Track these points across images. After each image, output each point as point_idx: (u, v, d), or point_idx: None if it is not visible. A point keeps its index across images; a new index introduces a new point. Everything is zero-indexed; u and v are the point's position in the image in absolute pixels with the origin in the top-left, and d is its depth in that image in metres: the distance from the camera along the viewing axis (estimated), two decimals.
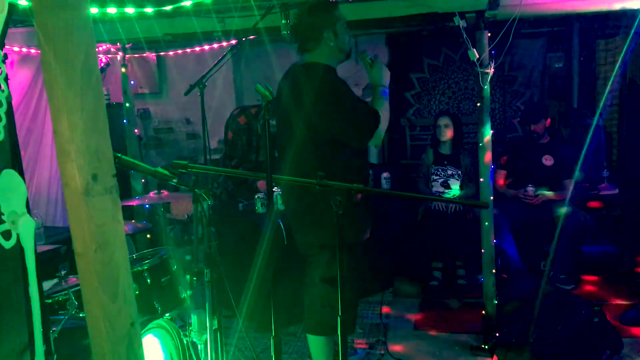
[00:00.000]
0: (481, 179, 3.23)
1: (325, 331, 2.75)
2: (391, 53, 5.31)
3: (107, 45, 4.31)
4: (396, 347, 3.39)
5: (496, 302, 3.27)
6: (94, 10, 3.01)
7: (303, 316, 2.91)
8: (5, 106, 1.13)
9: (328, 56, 2.65)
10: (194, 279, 3.02)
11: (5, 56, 1.19)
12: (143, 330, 2.37)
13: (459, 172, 4.45)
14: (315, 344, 2.79)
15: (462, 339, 3.43)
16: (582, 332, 2.95)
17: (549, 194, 4.23)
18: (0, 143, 1.13)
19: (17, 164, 1.17)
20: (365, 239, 2.77)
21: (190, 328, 2.48)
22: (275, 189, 2.32)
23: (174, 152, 5.64)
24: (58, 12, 1.05)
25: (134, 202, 3.54)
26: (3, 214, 1.10)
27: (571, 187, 4.26)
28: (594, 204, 4.55)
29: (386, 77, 2.75)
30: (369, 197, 2.73)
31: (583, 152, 3.82)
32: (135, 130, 4.59)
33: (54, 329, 2.14)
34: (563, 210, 4.16)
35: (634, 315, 3.48)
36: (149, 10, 3.14)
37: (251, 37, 3.57)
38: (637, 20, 3.00)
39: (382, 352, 3.34)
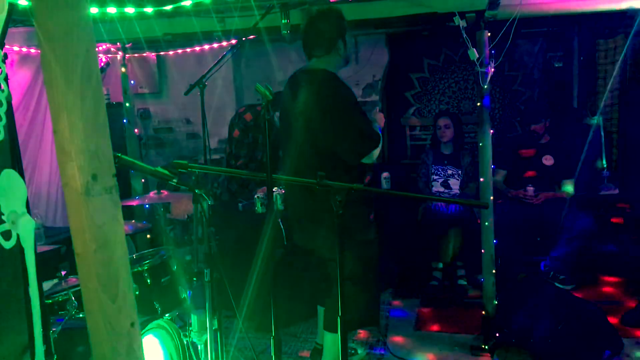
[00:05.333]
0: (481, 179, 3.23)
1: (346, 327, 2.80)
2: (391, 53, 5.31)
3: (107, 45, 4.31)
4: (396, 347, 3.39)
5: (496, 302, 3.27)
6: (94, 10, 3.01)
7: (304, 314, 2.94)
8: (5, 106, 1.13)
9: (333, 63, 2.73)
10: (194, 279, 3.02)
11: (5, 56, 1.19)
12: (143, 330, 2.37)
13: (459, 172, 4.45)
14: (332, 341, 2.81)
15: (462, 339, 3.43)
16: (582, 332, 2.95)
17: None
18: (0, 143, 1.13)
19: (17, 164, 1.17)
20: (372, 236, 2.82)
21: (190, 328, 2.48)
22: (275, 189, 2.32)
23: (174, 152, 5.64)
24: (58, 12, 1.05)
25: (134, 202, 3.54)
26: (3, 214, 1.10)
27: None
28: (593, 204, 4.54)
29: (382, 123, 2.93)
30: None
31: (583, 151, 3.83)
32: (135, 130, 4.59)
33: (54, 329, 2.14)
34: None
35: (635, 316, 3.48)
36: (148, 10, 3.15)
37: (251, 36, 3.57)
38: (637, 20, 3.00)
39: (382, 352, 3.34)
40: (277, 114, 3.71)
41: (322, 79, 2.67)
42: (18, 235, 1.13)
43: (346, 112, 2.61)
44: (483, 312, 3.29)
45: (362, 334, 3.58)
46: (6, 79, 1.14)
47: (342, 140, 2.61)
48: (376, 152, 2.70)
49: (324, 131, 2.61)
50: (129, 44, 4.26)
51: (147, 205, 4.51)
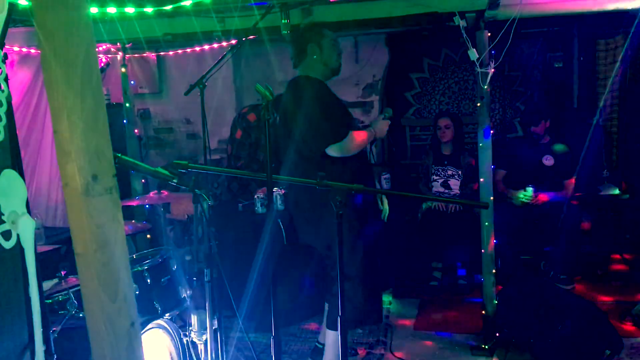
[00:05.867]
0: (481, 179, 3.23)
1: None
2: (391, 53, 5.31)
3: (107, 45, 4.31)
4: (396, 347, 3.39)
5: (496, 302, 3.27)
6: (94, 10, 3.01)
7: (304, 314, 2.94)
8: (5, 106, 1.13)
9: (314, 69, 2.84)
10: (194, 279, 3.02)
11: (5, 56, 1.19)
12: (143, 330, 2.37)
13: (459, 172, 4.45)
14: (333, 339, 2.82)
15: (462, 339, 3.43)
16: (582, 332, 2.95)
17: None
18: (0, 143, 1.13)
19: (17, 164, 1.17)
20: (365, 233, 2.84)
21: (190, 328, 2.48)
22: (275, 189, 2.32)
23: (174, 152, 5.64)
24: (58, 12, 1.05)
25: (134, 202, 3.54)
26: (3, 214, 1.10)
27: (572, 187, 4.26)
28: (593, 204, 4.54)
29: (383, 131, 2.97)
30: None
31: (583, 151, 3.83)
32: (135, 130, 4.59)
33: (54, 329, 2.14)
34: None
35: (634, 315, 3.48)
36: (148, 10, 3.14)
37: (251, 37, 3.57)
38: (637, 20, 3.00)
39: (382, 352, 3.34)
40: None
41: (295, 84, 2.83)
42: (18, 235, 1.13)
43: (310, 108, 2.70)
44: (483, 312, 3.29)
45: (361, 333, 3.58)
46: (6, 79, 1.14)
47: (307, 136, 2.71)
48: (347, 145, 2.72)
49: (297, 130, 2.73)
50: (129, 44, 4.26)
51: (147, 206, 4.51)
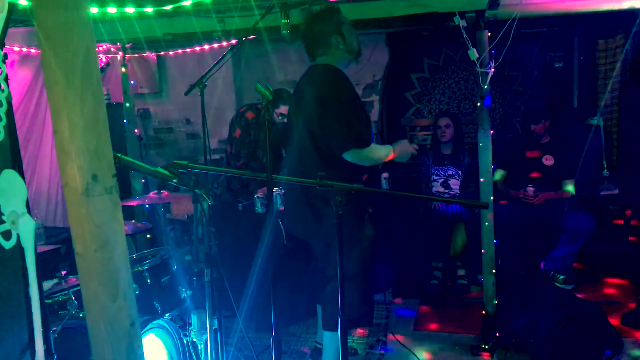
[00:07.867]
0: (481, 179, 3.23)
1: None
2: (391, 53, 5.30)
3: (107, 45, 4.31)
4: (396, 347, 3.39)
5: (496, 302, 3.27)
6: (94, 10, 3.01)
7: (304, 314, 2.93)
8: (5, 106, 1.13)
9: (337, 59, 2.74)
10: (194, 279, 3.02)
11: (5, 56, 1.19)
12: (143, 330, 2.37)
13: (459, 172, 4.45)
14: (331, 340, 2.80)
15: (462, 339, 3.43)
16: (582, 332, 2.95)
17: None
18: (1, 143, 1.13)
19: (17, 164, 1.17)
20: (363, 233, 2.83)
21: (190, 328, 2.48)
22: (275, 189, 2.32)
23: (174, 152, 5.64)
24: (58, 12, 1.05)
25: (134, 202, 3.54)
26: (3, 214, 1.10)
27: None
28: (593, 204, 4.54)
29: (405, 155, 2.83)
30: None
31: (584, 152, 3.83)
32: (135, 130, 4.59)
33: (54, 329, 2.14)
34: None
35: (635, 316, 3.48)
36: (149, 9, 3.14)
37: (251, 36, 3.57)
38: (637, 20, 3.00)
39: (382, 352, 3.34)
40: (281, 110, 3.70)
41: (322, 71, 2.71)
42: (18, 235, 1.13)
43: (339, 103, 2.60)
44: (483, 312, 3.29)
45: (361, 333, 3.59)
46: (6, 79, 1.14)
47: (328, 130, 2.60)
48: (365, 156, 2.64)
49: (317, 120, 2.63)
50: (129, 44, 4.26)
51: (147, 206, 4.50)
